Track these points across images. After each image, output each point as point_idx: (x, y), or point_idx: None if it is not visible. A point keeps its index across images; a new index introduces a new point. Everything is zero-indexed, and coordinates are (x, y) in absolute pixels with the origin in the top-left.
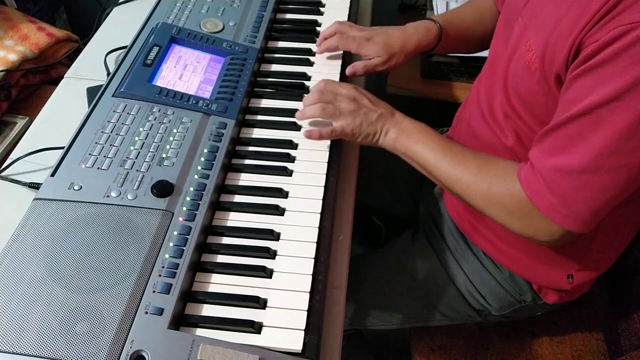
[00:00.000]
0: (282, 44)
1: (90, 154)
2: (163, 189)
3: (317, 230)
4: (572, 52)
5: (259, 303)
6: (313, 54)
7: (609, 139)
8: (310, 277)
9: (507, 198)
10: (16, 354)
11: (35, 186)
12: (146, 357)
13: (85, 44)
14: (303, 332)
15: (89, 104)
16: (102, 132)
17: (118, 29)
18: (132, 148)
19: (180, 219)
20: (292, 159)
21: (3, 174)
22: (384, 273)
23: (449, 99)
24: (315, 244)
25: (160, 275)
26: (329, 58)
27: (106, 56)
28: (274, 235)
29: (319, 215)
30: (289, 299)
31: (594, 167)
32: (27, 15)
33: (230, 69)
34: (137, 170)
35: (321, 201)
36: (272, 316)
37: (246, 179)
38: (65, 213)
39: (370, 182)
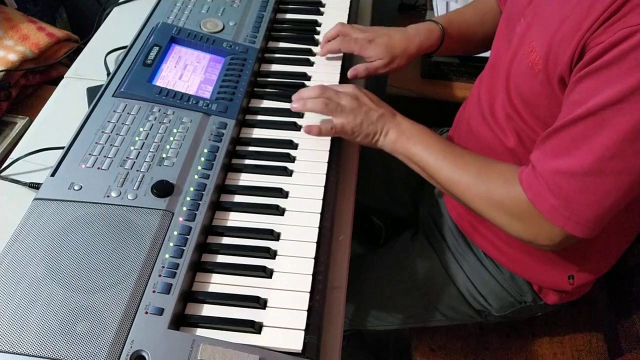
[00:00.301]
0: (282, 44)
1: (90, 154)
2: (163, 189)
3: (317, 230)
4: (577, 53)
5: (259, 303)
6: (313, 54)
7: (612, 141)
8: (310, 277)
9: (507, 201)
10: (16, 354)
11: (35, 186)
12: (146, 357)
13: (85, 44)
14: (303, 332)
15: (89, 104)
16: (102, 132)
17: (118, 29)
18: (132, 148)
19: (181, 219)
20: (292, 159)
21: (3, 174)
22: (384, 273)
23: (449, 99)
24: (315, 244)
25: (160, 275)
26: (329, 58)
27: (106, 56)
28: (274, 235)
29: (319, 215)
30: (289, 299)
31: (597, 170)
32: (27, 15)
33: (231, 69)
34: (137, 170)
35: (321, 201)
36: (272, 316)
37: (246, 179)
38: (65, 213)
39: (370, 183)
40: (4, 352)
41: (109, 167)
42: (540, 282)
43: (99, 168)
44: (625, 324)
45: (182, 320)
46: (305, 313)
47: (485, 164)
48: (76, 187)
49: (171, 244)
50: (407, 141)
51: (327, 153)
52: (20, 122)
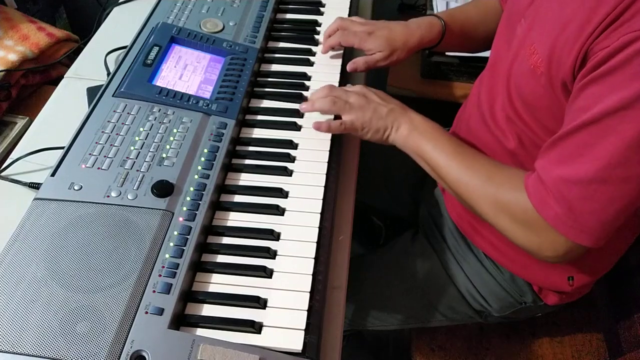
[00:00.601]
0: (282, 44)
1: (90, 154)
2: (163, 189)
3: (317, 230)
4: (579, 59)
5: (259, 303)
6: (313, 54)
7: (617, 148)
8: (310, 277)
9: (513, 206)
10: (16, 353)
11: (35, 186)
12: (146, 357)
13: (85, 44)
14: (303, 332)
15: (89, 104)
16: (102, 132)
17: (118, 29)
18: (132, 148)
19: (181, 218)
20: (292, 159)
21: (3, 174)
22: (384, 273)
23: (449, 99)
24: (315, 244)
25: (160, 275)
26: (329, 58)
27: (106, 56)
28: (274, 235)
29: (319, 215)
30: (289, 299)
31: (602, 178)
32: (27, 15)
33: (231, 69)
34: (137, 170)
35: (321, 201)
36: (273, 316)
37: (246, 179)
38: (66, 213)
39: (370, 182)
40: (4, 352)
41: (109, 167)
42: (540, 283)
43: (99, 168)
44: (625, 324)
45: (182, 320)
46: (305, 313)
47: (495, 168)
48: (76, 187)
49: (171, 244)
50: (419, 137)
51: (327, 153)
52: (20, 122)
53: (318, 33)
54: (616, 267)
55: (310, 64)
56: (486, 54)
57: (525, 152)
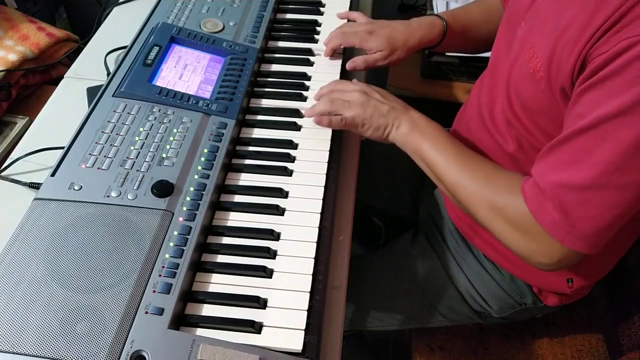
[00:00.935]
0: (282, 44)
1: (90, 154)
2: (163, 189)
3: (317, 230)
4: (578, 64)
5: (259, 303)
6: (313, 54)
7: (614, 154)
8: (310, 277)
9: (510, 210)
10: (16, 353)
11: (35, 186)
12: (146, 357)
13: (85, 44)
14: (303, 332)
15: (89, 104)
16: (102, 132)
17: (118, 29)
18: (132, 148)
19: (181, 218)
20: (292, 159)
21: (3, 174)
22: (384, 273)
23: (449, 99)
24: (315, 244)
25: (160, 275)
26: (329, 57)
27: (106, 56)
28: (274, 235)
29: (319, 215)
30: (289, 299)
31: (598, 184)
32: (27, 15)
33: (231, 69)
34: (137, 170)
35: (321, 201)
36: (273, 316)
37: (246, 179)
38: (66, 213)
39: (370, 182)
40: (4, 352)
41: (109, 167)
42: (540, 284)
43: (99, 168)
44: (625, 324)
45: (182, 320)
46: (305, 313)
47: (494, 171)
48: (76, 187)
49: (171, 244)
50: (420, 136)
51: (327, 153)
52: (20, 122)
53: (318, 33)
54: (616, 267)
55: (310, 64)
56: (487, 54)
57: (524, 155)
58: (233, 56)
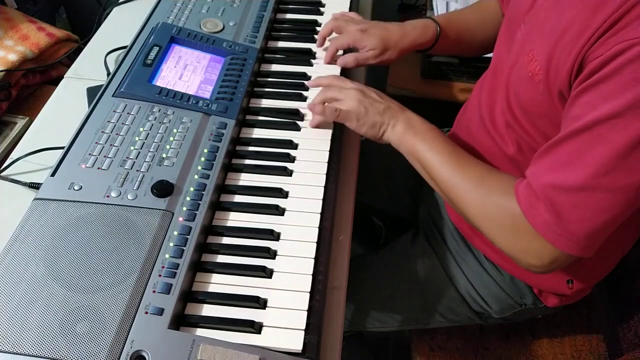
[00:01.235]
0: (282, 44)
1: (90, 154)
2: (163, 189)
3: (317, 230)
4: (575, 67)
5: (259, 303)
6: (313, 54)
7: (607, 157)
8: (310, 277)
9: (502, 211)
10: (16, 354)
11: (35, 186)
12: (146, 357)
13: (85, 44)
14: (303, 332)
15: (89, 104)
16: (102, 132)
17: (118, 29)
18: (132, 148)
19: (180, 219)
20: (292, 159)
21: (3, 174)
22: (384, 274)
23: (449, 99)
24: (315, 244)
25: (160, 275)
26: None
27: (106, 56)
28: (274, 235)
29: (319, 215)
30: (289, 299)
31: (591, 186)
32: (27, 15)
33: (231, 69)
34: (137, 170)
35: (321, 201)
36: (272, 316)
37: (246, 179)
38: (66, 213)
39: (370, 182)
40: (4, 352)
41: (109, 167)
42: (540, 285)
43: (99, 168)
44: (625, 324)
45: (182, 320)
46: (305, 313)
47: (487, 172)
48: (76, 187)
49: (171, 244)
50: (414, 136)
51: (327, 153)
52: (20, 122)
53: (318, 33)
54: (616, 268)
55: (310, 64)
56: (487, 54)
57: (524, 158)
58: (233, 56)
